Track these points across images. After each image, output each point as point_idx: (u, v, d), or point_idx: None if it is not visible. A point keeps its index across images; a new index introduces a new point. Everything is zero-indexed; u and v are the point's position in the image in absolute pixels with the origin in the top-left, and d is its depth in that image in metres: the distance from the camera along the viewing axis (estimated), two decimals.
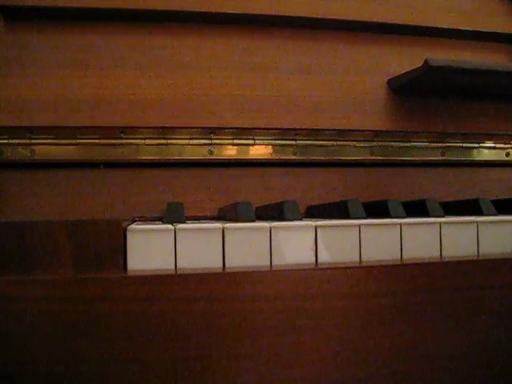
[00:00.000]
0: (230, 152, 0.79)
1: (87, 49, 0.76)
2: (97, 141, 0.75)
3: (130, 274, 0.45)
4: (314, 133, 0.80)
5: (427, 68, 0.72)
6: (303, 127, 0.79)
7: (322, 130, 0.80)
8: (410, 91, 0.82)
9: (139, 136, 0.76)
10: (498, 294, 0.50)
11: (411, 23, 0.86)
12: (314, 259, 0.51)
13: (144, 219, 0.73)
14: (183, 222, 0.52)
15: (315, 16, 0.82)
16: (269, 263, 0.49)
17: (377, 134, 0.82)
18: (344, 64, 0.83)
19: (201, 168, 0.79)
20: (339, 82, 0.82)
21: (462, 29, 0.88)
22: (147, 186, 0.76)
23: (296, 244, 0.50)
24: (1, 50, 0.74)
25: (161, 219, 0.71)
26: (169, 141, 0.77)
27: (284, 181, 0.81)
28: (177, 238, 0.48)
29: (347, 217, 0.57)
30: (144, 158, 0.77)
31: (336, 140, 0.82)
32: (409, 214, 0.58)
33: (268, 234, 0.50)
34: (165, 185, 0.77)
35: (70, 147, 0.75)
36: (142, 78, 0.76)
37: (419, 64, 0.74)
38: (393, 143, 0.84)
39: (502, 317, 0.50)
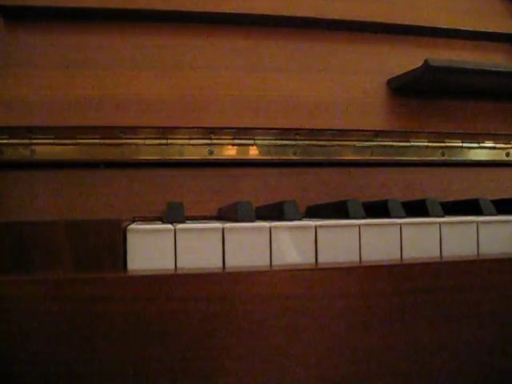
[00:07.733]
0: (230, 152, 0.79)
1: (87, 49, 0.76)
2: (97, 141, 0.75)
3: (129, 274, 0.45)
4: (314, 133, 0.80)
5: (427, 68, 0.72)
6: (303, 127, 0.79)
7: (322, 129, 0.80)
8: (409, 91, 0.82)
9: (139, 136, 0.76)
10: (498, 294, 0.50)
11: (411, 23, 0.86)
12: (314, 259, 0.51)
13: (144, 219, 0.72)
14: (183, 222, 0.52)
15: (315, 16, 0.82)
16: (269, 263, 0.49)
17: (377, 134, 0.82)
18: (344, 64, 0.83)
19: (201, 168, 0.79)
20: (339, 82, 0.82)
21: (462, 29, 0.88)
22: (147, 186, 0.76)
23: (296, 244, 0.50)
24: (1, 49, 0.74)
25: (161, 219, 0.71)
26: (169, 141, 0.77)
27: (284, 181, 0.81)
28: (177, 238, 0.48)
29: (347, 217, 0.57)
30: (144, 157, 0.76)
31: (336, 140, 0.82)
32: (409, 214, 0.58)
33: (268, 234, 0.49)
34: (165, 185, 0.77)
35: (70, 147, 0.74)
36: (142, 78, 0.76)
37: (419, 64, 0.74)
38: (393, 143, 0.83)
39: (502, 317, 0.50)
